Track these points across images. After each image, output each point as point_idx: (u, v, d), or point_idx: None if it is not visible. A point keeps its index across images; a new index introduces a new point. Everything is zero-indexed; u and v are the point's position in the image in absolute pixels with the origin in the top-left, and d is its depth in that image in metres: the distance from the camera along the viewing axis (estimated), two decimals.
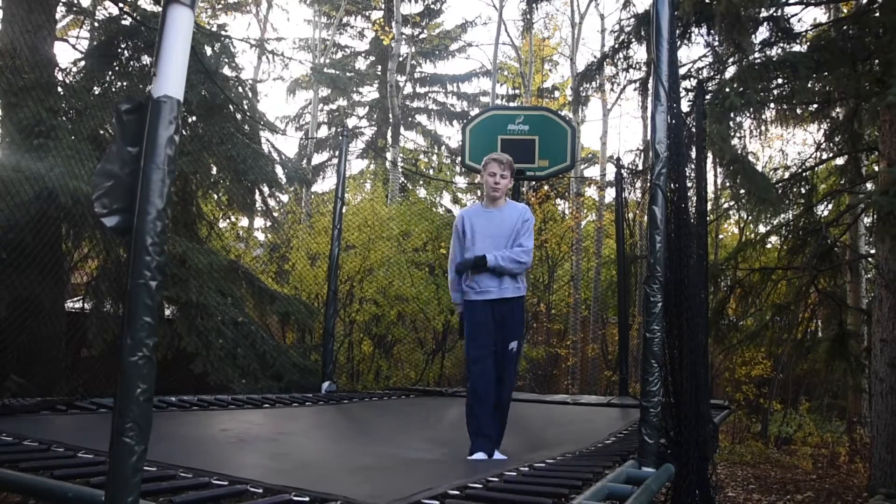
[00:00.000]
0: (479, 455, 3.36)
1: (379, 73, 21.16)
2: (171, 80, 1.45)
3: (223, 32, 8.26)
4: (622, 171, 8.75)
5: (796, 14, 10.47)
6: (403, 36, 20.44)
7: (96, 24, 7.68)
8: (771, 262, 9.83)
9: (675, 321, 3.04)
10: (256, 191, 7.94)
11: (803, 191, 8.80)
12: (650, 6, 3.15)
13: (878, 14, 7.13)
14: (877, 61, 7.01)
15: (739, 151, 7.68)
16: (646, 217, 3.52)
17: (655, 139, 2.97)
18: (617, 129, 58.06)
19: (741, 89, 7.05)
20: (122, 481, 1.34)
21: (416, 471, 2.91)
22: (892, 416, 6.69)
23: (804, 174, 8.93)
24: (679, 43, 7.41)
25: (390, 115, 17.72)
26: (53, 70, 6.26)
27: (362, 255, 9.72)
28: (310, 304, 8.58)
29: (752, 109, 7.37)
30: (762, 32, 7.66)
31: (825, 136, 9.00)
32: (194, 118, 7.15)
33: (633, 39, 8.34)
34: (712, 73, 8.44)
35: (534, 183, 14.42)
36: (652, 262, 2.85)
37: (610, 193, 14.40)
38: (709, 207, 6.52)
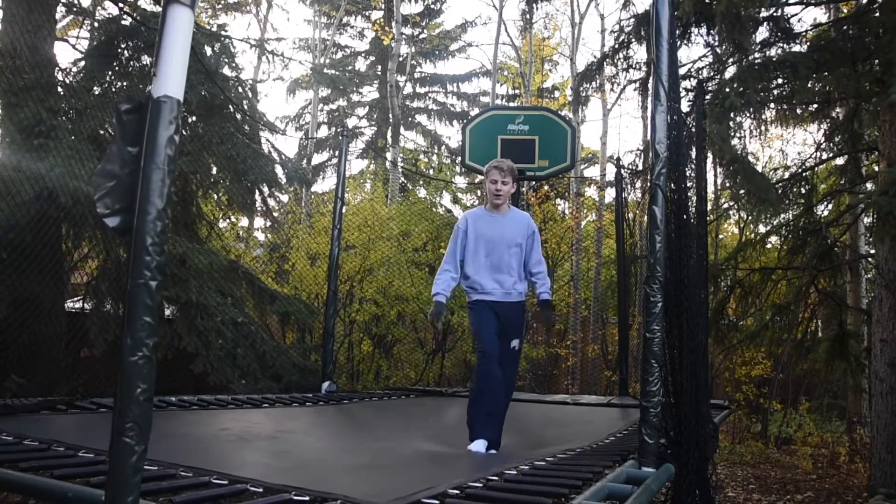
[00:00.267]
0: (479, 444, 3.39)
1: (379, 73, 21.16)
2: (171, 80, 1.45)
3: (223, 32, 8.26)
4: (622, 171, 8.74)
5: (796, 14, 10.46)
6: (403, 36, 20.44)
7: (96, 24, 7.68)
8: (771, 262, 9.83)
9: (675, 321, 3.04)
10: (256, 191, 7.94)
11: (803, 191, 8.80)
12: (650, 6, 3.15)
13: (878, 14, 7.13)
14: (877, 61, 7.01)
15: (739, 151, 7.68)
16: (646, 217, 3.53)
17: (655, 139, 2.97)
18: (617, 129, 58.14)
19: (741, 89, 7.05)
20: (122, 481, 1.34)
21: (416, 470, 2.91)
22: (892, 416, 6.69)
23: (804, 174, 8.93)
24: (679, 43, 7.41)
25: (390, 115, 17.73)
26: (53, 70, 6.26)
27: (362, 255, 9.72)
28: (310, 304, 8.58)
29: (752, 109, 7.37)
30: (762, 32, 7.67)
31: (825, 136, 9.00)
32: (194, 118, 7.15)
33: (633, 39, 8.34)
34: (712, 73, 8.44)
35: (534, 183, 14.42)
36: (652, 262, 2.85)
37: (610, 193, 14.41)
38: (709, 207, 6.52)
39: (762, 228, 10.83)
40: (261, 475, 2.33)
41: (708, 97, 6.87)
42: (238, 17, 36.21)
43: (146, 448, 1.37)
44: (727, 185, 9.56)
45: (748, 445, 11.13)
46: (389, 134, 18.30)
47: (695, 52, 27.98)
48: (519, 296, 3.70)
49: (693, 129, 4.68)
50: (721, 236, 16.25)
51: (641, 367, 2.90)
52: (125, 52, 6.88)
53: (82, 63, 6.90)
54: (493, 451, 3.53)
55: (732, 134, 7.53)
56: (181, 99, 1.47)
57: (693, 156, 4.46)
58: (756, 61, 7.37)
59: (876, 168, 8.49)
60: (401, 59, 19.25)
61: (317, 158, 21.82)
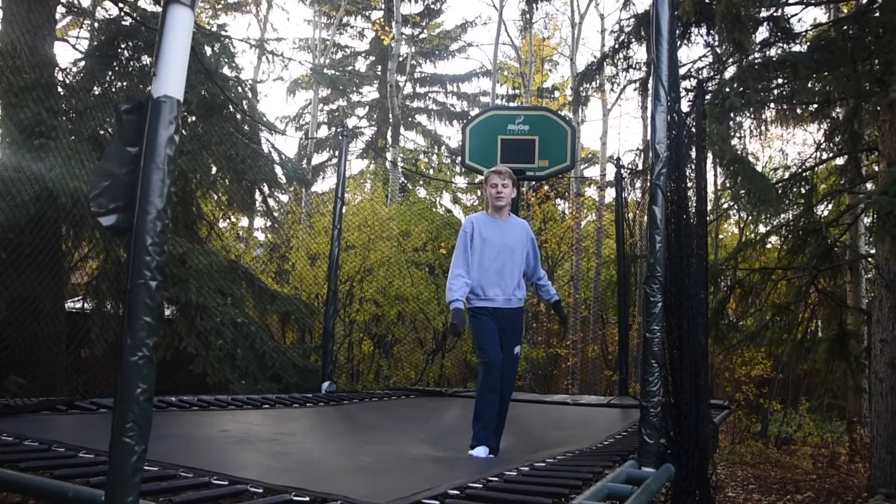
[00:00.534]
0: (481, 450, 3.40)
1: (379, 73, 21.16)
2: (171, 80, 1.45)
3: (223, 32, 8.27)
4: (622, 171, 8.74)
5: (796, 14, 10.49)
6: (403, 36, 20.44)
7: (96, 25, 7.68)
8: (771, 262, 9.83)
9: (675, 321, 3.03)
10: (256, 191, 7.95)
11: (803, 191, 8.79)
12: (650, 6, 3.15)
13: (878, 14, 7.12)
14: (877, 61, 7.01)
15: (739, 151, 7.68)
16: (646, 217, 3.53)
17: (655, 139, 2.97)
18: (617, 129, 58.10)
19: (741, 89, 7.05)
20: (122, 481, 1.34)
21: (416, 470, 2.91)
22: (892, 416, 6.69)
23: (804, 174, 8.93)
24: (679, 43, 7.41)
25: (390, 115, 17.73)
26: (53, 70, 6.26)
27: (362, 255, 9.72)
28: (310, 304, 8.58)
29: (752, 109, 7.37)
30: (762, 32, 7.67)
31: (825, 136, 9.00)
32: (194, 118, 7.15)
33: (633, 39, 8.33)
34: (712, 73, 8.44)
35: (534, 183, 14.42)
36: (652, 262, 2.85)
37: (610, 193, 14.40)
38: (709, 207, 6.52)
39: (762, 228, 10.84)
40: (261, 476, 2.33)
41: (708, 97, 6.87)
42: (238, 17, 36.26)
43: (146, 448, 1.37)
44: (727, 185, 9.56)
45: (748, 445, 11.13)
46: (389, 134, 18.29)
47: (695, 52, 28.00)
48: (519, 302, 3.73)
49: (693, 129, 4.67)
50: (721, 236, 16.25)
51: (641, 367, 2.90)
52: (125, 52, 6.88)
53: (82, 63, 6.90)
54: (490, 456, 3.54)
55: (732, 134, 7.54)
56: (181, 99, 1.47)
57: (693, 156, 4.46)
58: (756, 61, 7.37)
59: (876, 168, 8.49)
60: (401, 59, 19.25)
61: (317, 158, 21.83)
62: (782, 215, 8.92)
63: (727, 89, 7.24)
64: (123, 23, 6.88)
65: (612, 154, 17.91)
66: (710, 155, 6.85)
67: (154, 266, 1.38)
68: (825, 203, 10.18)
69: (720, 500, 7.39)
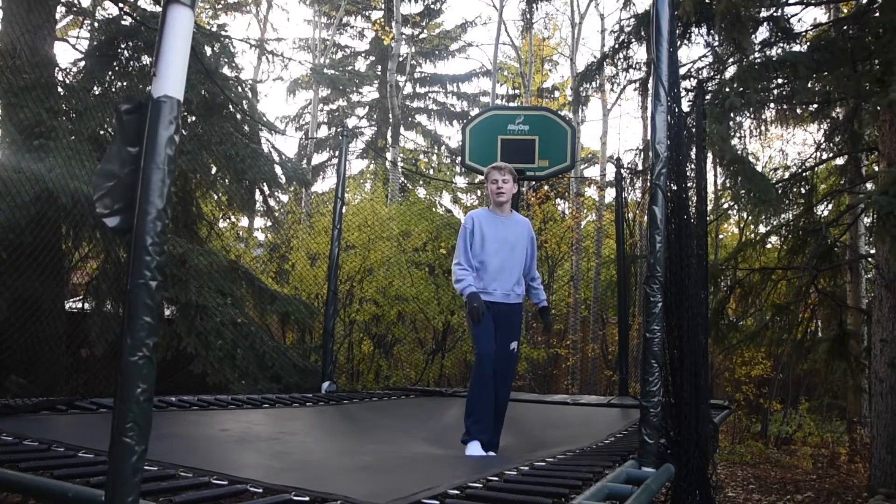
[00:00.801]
0: (474, 446, 3.40)
1: (379, 73, 21.16)
2: (171, 80, 1.45)
3: (223, 32, 8.27)
4: (622, 171, 8.74)
5: (796, 14, 10.49)
6: (403, 36, 20.43)
7: (96, 24, 7.68)
8: (771, 262, 9.82)
9: (675, 321, 3.03)
10: (256, 190, 7.95)
11: (803, 191, 8.79)
12: (650, 6, 3.15)
13: (878, 14, 7.12)
14: (877, 61, 7.01)
15: (739, 151, 7.68)
16: (646, 217, 3.53)
17: (655, 139, 2.97)
18: (617, 129, 58.03)
19: (741, 89, 7.05)
20: (122, 481, 1.34)
21: (416, 470, 2.91)
22: (892, 416, 6.69)
23: (804, 174, 8.93)
24: (679, 43, 7.41)
25: (390, 115, 17.73)
26: (53, 70, 6.26)
27: (362, 255, 9.72)
28: (310, 304, 8.58)
29: (752, 109, 7.37)
30: (762, 32, 7.66)
31: (825, 136, 9.00)
32: (194, 118, 7.15)
33: (633, 39, 8.33)
34: (712, 73, 8.43)
35: (534, 183, 14.41)
36: (652, 262, 2.85)
37: (610, 193, 14.40)
38: (709, 207, 6.52)
39: (762, 228, 10.83)
40: (261, 475, 2.33)
41: (708, 97, 6.87)
42: (238, 17, 36.27)
43: (146, 448, 1.37)
44: (727, 185, 9.55)
45: (748, 445, 11.12)
46: (389, 134, 18.29)
47: (695, 52, 28.05)
48: (517, 297, 3.74)
49: (693, 129, 4.67)
50: (721, 236, 16.25)
51: (641, 367, 2.90)
52: (125, 52, 6.88)
53: (82, 63, 6.90)
54: (491, 453, 3.54)
55: (732, 134, 7.53)
56: (181, 99, 1.47)
57: (693, 156, 4.46)
58: (756, 61, 7.37)
59: (876, 168, 8.49)
60: (401, 59, 19.25)
61: (317, 158, 21.83)
62: (782, 215, 8.92)
63: (727, 89, 7.24)
64: (123, 23, 6.88)
65: (612, 154, 17.93)
66: (710, 155, 6.85)
67: (154, 266, 1.38)
68: (825, 203, 10.17)
69: (720, 500, 7.39)
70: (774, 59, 7.28)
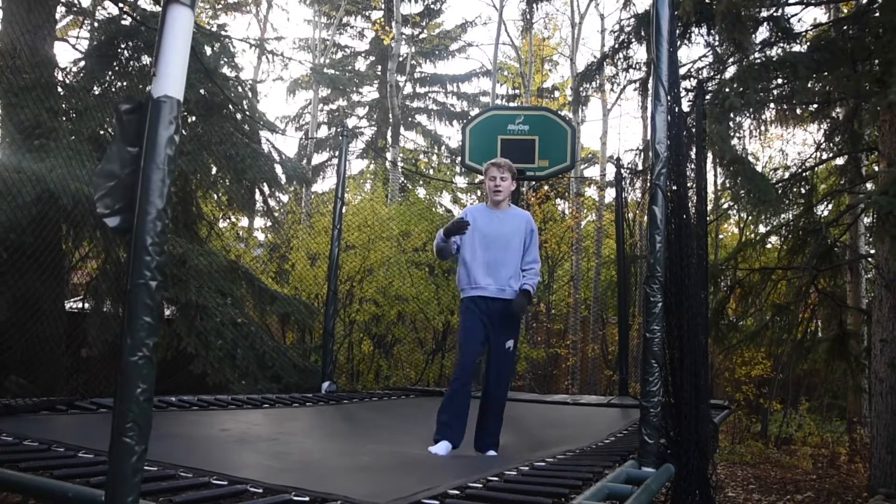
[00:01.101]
0: (441, 446, 3.37)
1: (379, 73, 21.16)
2: (171, 80, 1.45)
3: (223, 32, 8.27)
4: (622, 171, 8.75)
5: (796, 14, 10.48)
6: (403, 36, 20.43)
7: (96, 24, 7.68)
8: (771, 262, 9.83)
9: (675, 321, 3.03)
10: (256, 190, 7.95)
11: (803, 191, 8.79)
12: (650, 6, 3.15)
13: (878, 14, 7.13)
14: (877, 61, 7.01)
15: (739, 151, 7.68)
16: (646, 217, 3.53)
17: (655, 139, 2.96)
18: (617, 129, 57.97)
19: (741, 89, 7.05)
20: (122, 481, 1.34)
21: (416, 470, 2.91)
22: (892, 416, 6.69)
23: (804, 174, 8.93)
24: (679, 43, 7.41)
25: (390, 115, 17.73)
26: (53, 70, 6.26)
27: (362, 255, 9.72)
28: (310, 304, 8.58)
29: (752, 109, 7.37)
30: (762, 32, 7.67)
31: (825, 136, 9.00)
32: (194, 118, 7.15)
33: (633, 39, 8.33)
34: (712, 73, 8.44)
35: (534, 183, 14.42)
36: (652, 262, 2.85)
37: (610, 193, 14.41)
38: (709, 207, 6.52)
39: (762, 228, 10.83)
40: (261, 475, 2.33)
41: (708, 97, 6.87)
42: (238, 17, 36.26)
43: (146, 448, 1.37)
44: (727, 185, 9.56)
45: (748, 445, 11.12)
46: (389, 134, 18.29)
47: (695, 52, 28.02)
48: (513, 294, 3.64)
49: (693, 129, 4.68)
50: (721, 236, 16.26)
51: (641, 367, 2.90)
52: (125, 52, 6.88)
53: (82, 63, 6.90)
54: (492, 453, 3.54)
55: (732, 134, 7.54)
56: (181, 99, 1.46)
57: (693, 156, 4.46)
58: (756, 61, 7.37)
59: (876, 168, 8.49)
60: (401, 59, 19.25)
61: (317, 158, 21.83)
62: (782, 215, 8.93)
63: (727, 89, 7.24)
64: (123, 23, 6.88)
65: (612, 154, 17.92)
66: (710, 155, 6.85)
67: (154, 266, 1.38)
68: (825, 203, 10.18)
69: (720, 500, 7.39)
70: (774, 59, 7.29)
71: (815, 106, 8.29)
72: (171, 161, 1.43)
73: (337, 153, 12.66)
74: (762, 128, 8.05)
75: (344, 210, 7.18)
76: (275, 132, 9.96)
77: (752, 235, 10.91)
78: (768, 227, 10.17)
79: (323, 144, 21.66)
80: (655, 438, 2.76)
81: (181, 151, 6.34)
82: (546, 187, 16.29)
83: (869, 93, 7.10)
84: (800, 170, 9.25)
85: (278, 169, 8.07)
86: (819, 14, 15.93)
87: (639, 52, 8.62)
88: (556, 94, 22.10)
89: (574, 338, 14.62)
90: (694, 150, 4.58)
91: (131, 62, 6.93)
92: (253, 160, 7.28)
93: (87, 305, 6.44)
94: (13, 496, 2.86)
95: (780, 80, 7.43)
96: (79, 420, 3.70)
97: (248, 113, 8.03)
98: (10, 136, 5.57)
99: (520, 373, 12.76)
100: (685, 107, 4.65)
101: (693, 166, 4.35)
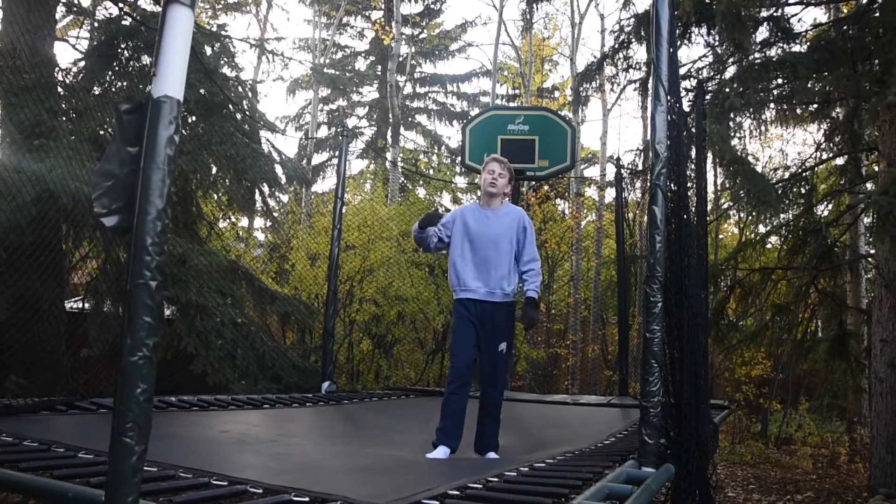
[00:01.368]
0: (438, 451, 3.36)
1: (379, 73, 21.16)
2: (171, 80, 1.45)
3: (223, 32, 8.27)
4: (622, 171, 8.75)
5: (796, 14, 10.48)
6: (403, 36, 20.43)
7: (96, 24, 7.68)
8: (771, 262, 9.83)
9: (675, 321, 3.03)
10: (256, 190, 7.95)
11: (803, 191, 8.79)
12: (650, 6, 3.15)
13: (878, 14, 7.12)
14: (877, 61, 7.01)
15: (739, 151, 7.68)
16: (646, 217, 3.52)
17: (655, 139, 2.96)
18: (617, 129, 58.01)
19: (741, 89, 7.05)
20: (122, 481, 1.34)
21: (416, 471, 2.91)
22: (892, 416, 6.69)
23: (804, 174, 8.93)
24: (679, 43, 7.41)
25: (390, 115, 17.73)
26: (53, 70, 6.26)
27: (362, 255, 9.72)
28: (310, 304, 8.58)
29: (752, 109, 7.37)
30: (762, 32, 7.67)
31: (825, 136, 9.00)
32: (194, 118, 7.15)
33: (633, 39, 8.34)
34: (712, 73, 8.44)
35: (534, 183, 14.42)
36: (652, 262, 2.85)
37: (610, 193, 14.40)
38: (709, 207, 6.52)
39: (762, 228, 10.84)
40: (260, 476, 2.33)
41: (708, 97, 6.87)
42: (238, 17, 36.26)
43: (146, 448, 1.37)
44: (727, 185, 9.56)
45: (748, 445, 11.12)
46: (389, 134, 18.29)
47: (695, 52, 28.03)
48: (505, 296, 3.57)
49: (693, 129, 4.67)
50: (721, 236, 16.26)
51: (641, 367, 2.90)
52: (125, 52, 6.88)
53: (82, 63, 6.90)
54: (492, 454, 3.53)
55: (732, 134, 7.54)
56: (181, 99, 1.47)
57: (693, 156, 4.46)
58: (756, 61, 7.37)
59: (876, 168, 8.49)
60: (401, 59, 19.25)
61: (317, 158, 21.83)
62: (782, 215, 8.93)
63: (727, 89, 7.25)
64: (123, 23, 6.88)
65: (612, 154, 17.92)
66: (710, 155, 6.85)
67: (154, 266, 1.38)
68: (825, 203, 10.18)
69: (720, 500, 7.39)
70: (774, 59, 7.29)
71: (815, 106, 8.29)
72: (171, 161, 1.43)
73: (337, 153, 12.66)
74: (762, 128, 8.05)
75: (344, 210, 7.18)
76: (275, 132, 9.97)
77: (752, 235, 10.92)
78: (768, 227, 10.18)
79: (323, 144, 21.66)
80: (655, 438, 2.76)
81: (181, 151, 6.34)
82: (546, 187, 16.29)
83: (869, 93, 7.10)
84: (800, 170, 9.25)
85: (278, 169, 8.07)
86: (819, 14, 15.94)
87: (639, 52, 8.63)
88: (556, 94, 22.10)
89: (574, 338, 14.62)
90: (694, 150, 4.58)
91: (131, 62, 6.93)
92: (253, 160, 7.28)
93: (87, 305, 6.44)
94: (13, 496, 2.86)
95: (780, 80, 7.43)
96: (79, 420, 3.70)
97: (248, 113, 8.03)
98: (10, 136, 5.56)
99: (520, 373, 12.76)
100: (685, 107, 4.66)
101: (693, 166, 4.35)
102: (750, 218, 11.27)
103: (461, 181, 19.36)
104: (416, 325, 10.62)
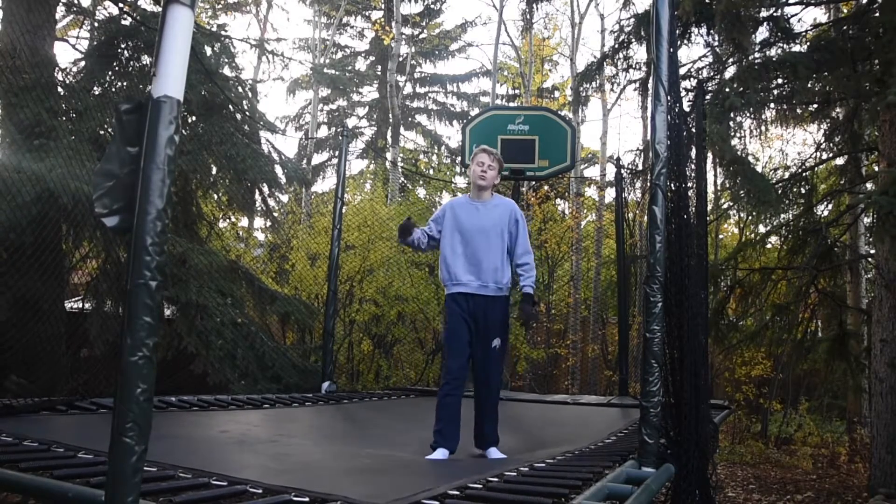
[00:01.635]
0: (437, 453, 3.35)
1: (379, 73, 21.16)
2: (171, 80, 1.45)
3: (223, 32, 8.27)
4: (622, 171, 8.74)
5: (796, 14, 10.48)
6: (403, 36, 20.43)
7: (96, 24, 7.68)
8: (771, 262, 9.83)
9: (675, 321, 3.03)
10: (256, 191, 7.95)
11: (803, 191, 8.79)
12: (650, 6, 3.15)
13: (878, 14, 7.12)
14: (877, 61, 7.01)
15: (739, 151, 7.68)
16: (646, 217, 3.52)
17: (655, 139, 2.96)
18: (617, 129, 58.00)
19: (741, 89, 7.05)
20: (122, 481, 1.34)
21: (416, 471, 2.91)
22: (892, 416, 6.69)
23: (804, 174, 8.93)
24: (679, 43, 7.41)
25: (390, 115, 17.72)
26: (53, 70, 6.26)
27: (362, 255, 9.72)
28: (310, 304, 8.58)
29: (752, 109, 7.37)
30: (762, 32, 7.67)
31: (825, 136, 9.00)
32: (194, 118, 7.16)
33: (633, 39, 8.34)
34: (712, 73, 8.44)
35: (534, 183, 14.41)
36: (652, 262, 2.85)
37: (610, 193, 14.39)
38: (709, 207, 6.52)
39: (762, 228, 10.84)
40: (260, 476, 2.33)
41: (708, 97, 6.87)
42: (238, 17, 36.26)
43: (146, 448, 1.37)
44: (727, 185, 9.56)
45: (748, 445, 11.12)
46: (389, 134, 18.29)
47: (695, 52, 28.04)
48: (498, 290, 3.53)
49: (693, 129, 4.67)
50: (721, 236, 16.26)
51: (641, 367, 2.90)
52: (125, 52, 6.88)
53: (82, 63, 6.90)
54: (494, 450, 3.52)
55: (732, 134, 7.53)
56: (181, 99, 1.47)
57: (693, 156, 4.45)
58: (756, 61, 7.37)
59: (876, 168, 8.49)
60: (401, 59, 19.24)
61: (317, 158, 21.83)
62: (782, 215, 8.93)
63: (727, 89, 7.25)
64: (123, 23, 6.89)
65: (612, 154, 17.94)
66: (710, 155, 6.85)
67: (154, 266, 1.38)
68: (825, 203, 10.18)
69: (720, 500, 7.39)
70: (774, 59, 7.28)
71: (815, 106, 8.29)
72: (171, 161, 1.43)
73: (337, 153, 12.66)
74: (762, 128, 8.04)
75: (344, 210, 7.18)
76: (275, 132, 9.97)
77: (752, 235, 10.92)
78: (768, 227, 10.18)
79: (323, 144, 21.66)
80: (655, 438, 2.76)
81: (181, 151, 6.34)
82: (546, 187, 16.29)
83: (869, 93, 7.10)
84: (800, 170, 9.25)
85: (278, 169, 8.08)
86: (819, 14, 15.93)
87: (639, 52, 8.63)
88: (556, 94, 22.10)
89: (574, 338, 14.62)
90: (694, 150, 4.57)
91: (131, 62, 6.93)
92: (253, 160, 7.28)
93: (87, 305, 6.44)
94: (13, 496, 2.86)
95: (780, 80, 7.43)
96: (79, 420, 3.70)
97: (248, 113, 8.03)
98: (10, 135, 5.56)
99: (520, 373, 12.76)
100: (685, 107, 4.65)
101: (693, 166, 4.35)
102: (750, 218, 11.27)
103: (461, 181, 19.36)
104: (416, 325, 10.63)
